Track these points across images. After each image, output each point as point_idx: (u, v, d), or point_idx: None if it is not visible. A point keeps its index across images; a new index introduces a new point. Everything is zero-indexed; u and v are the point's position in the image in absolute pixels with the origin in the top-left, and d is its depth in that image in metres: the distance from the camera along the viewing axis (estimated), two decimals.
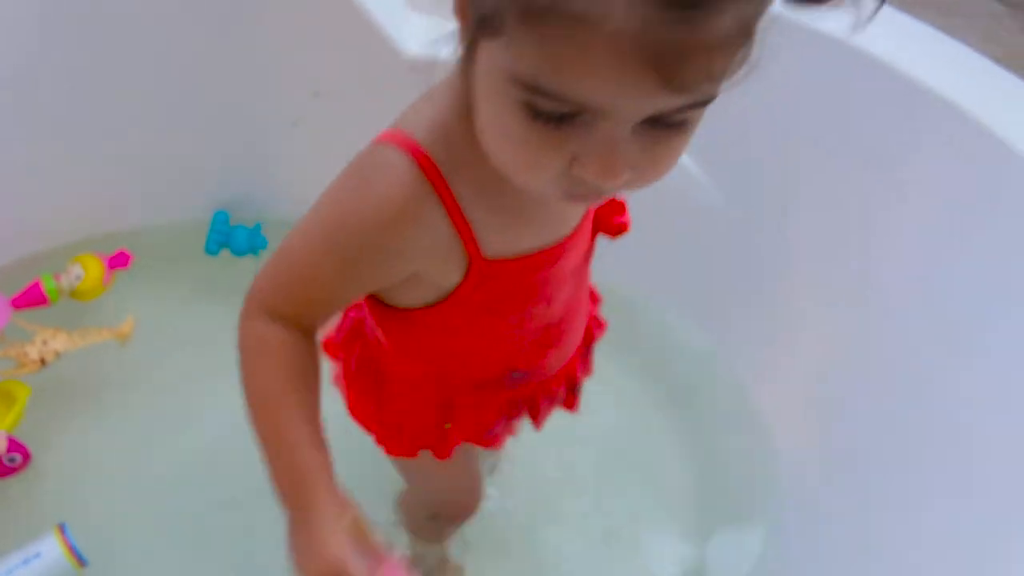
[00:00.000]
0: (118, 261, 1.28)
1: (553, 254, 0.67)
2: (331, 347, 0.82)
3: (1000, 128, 0.96)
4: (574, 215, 0.68)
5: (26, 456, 1.12)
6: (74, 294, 1.24)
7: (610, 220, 0.72)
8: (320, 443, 0.59)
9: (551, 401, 0.83)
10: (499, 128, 0.51)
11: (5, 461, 1.09)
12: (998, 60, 1.01)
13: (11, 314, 1.17)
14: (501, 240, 0.63)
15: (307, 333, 0.62)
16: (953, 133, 1.00)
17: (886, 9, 0.48)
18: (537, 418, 0.83)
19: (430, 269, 0.63)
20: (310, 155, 1.32)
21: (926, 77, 1.03)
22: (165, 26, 1.20)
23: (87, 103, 1.23)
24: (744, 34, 0.45)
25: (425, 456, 0.81)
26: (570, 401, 0.85)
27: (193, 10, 1.20)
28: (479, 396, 0.78)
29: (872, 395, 1.07)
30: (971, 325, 0.96)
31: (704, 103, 0.48)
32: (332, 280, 0.62)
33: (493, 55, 0.48)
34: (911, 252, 1.06)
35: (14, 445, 1.10)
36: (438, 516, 1.01)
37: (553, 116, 0.47)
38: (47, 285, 1.21)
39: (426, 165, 0.58)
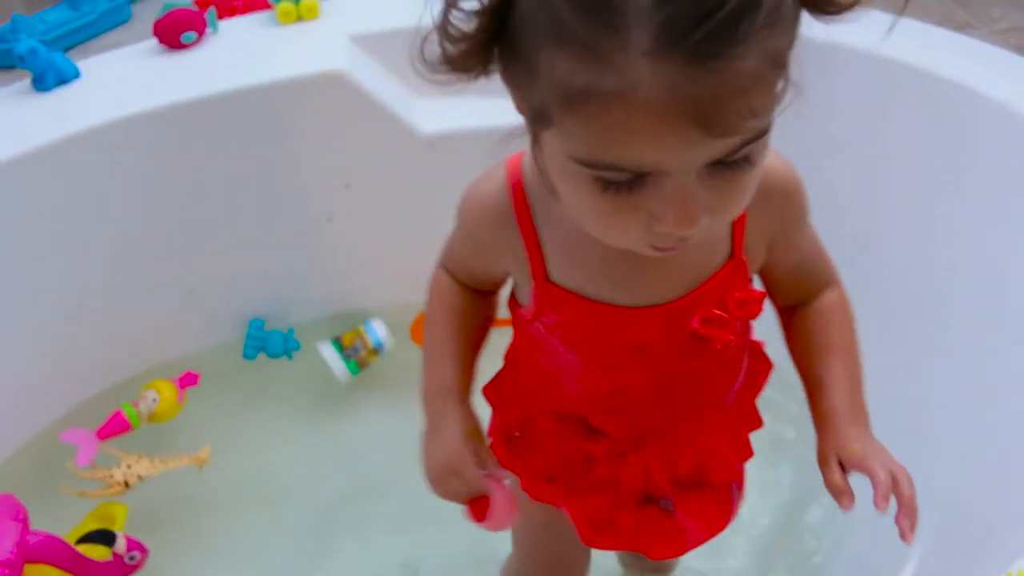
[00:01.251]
0: (187, 381, 1.35)
1: (618, 313, 0.66)
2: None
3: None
4: (659, 287, 0.66)
5: (144, 552, 1.17)
6: (152, 417, 1.30)
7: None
8: (465, 364, 0.74)
9: (656, 497, 0.79)
10: (577, 202, 0.54)
11: (126, 560, 1.15)
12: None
13: (99, 445, 1.25)
14: (570, 273, 0.66)
15: (465, 285, 0.76)
16: None
17: None
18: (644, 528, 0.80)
19: (516, 277, 0.71)
20: (345, 249, 1.42)
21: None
22: (200, 154, 1.27)
23: (139, 245, 1.30)
24: (776, 66, 0.46)
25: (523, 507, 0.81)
26: (697, 511, 0.80)
27: (227, 138, 1.27)
28: (557, 426, 0.78)
29: None
30: None
31: (758, 138, 0.49)
32: (460, 249, 0.74)
33: (553, 142, 0.51)
34: None
35: (132, 543, 1.16)
36: None
37: (622, 184, 0.49)
38: (128, 412, 1.28)
39: (516, 187, 0.66)
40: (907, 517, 0.61)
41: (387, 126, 1.30)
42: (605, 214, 0.52)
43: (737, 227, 0.65)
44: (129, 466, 1.24)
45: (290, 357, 1.43)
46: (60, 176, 1.18)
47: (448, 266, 0.77)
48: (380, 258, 1.42)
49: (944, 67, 1.11)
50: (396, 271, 1.42)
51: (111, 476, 1.22)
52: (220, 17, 1.34)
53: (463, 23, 0.51)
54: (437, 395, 0.72)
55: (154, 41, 1.28)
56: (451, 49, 0.52)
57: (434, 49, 0.52)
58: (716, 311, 0.66)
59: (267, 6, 1.36)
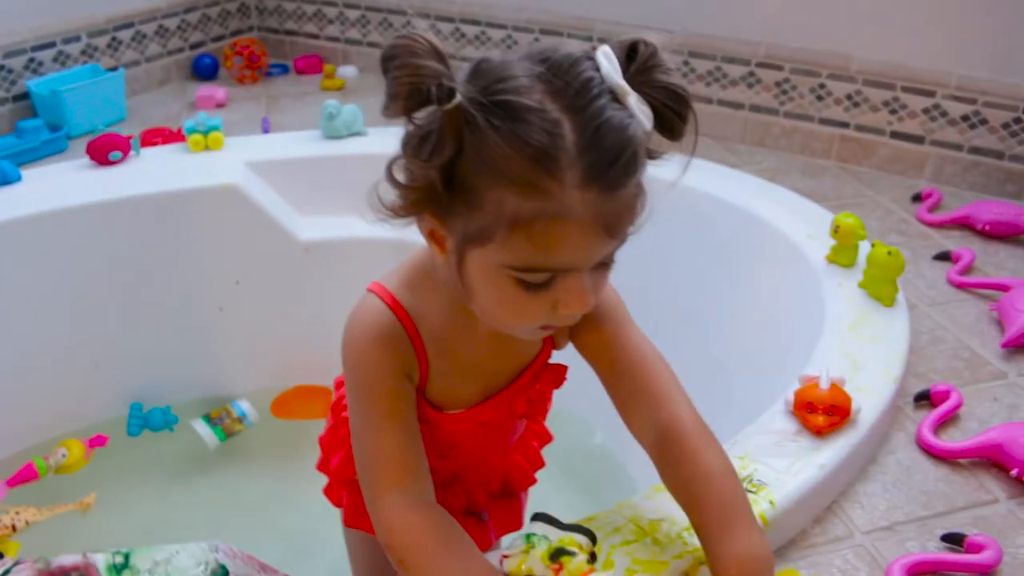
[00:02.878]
0: (96, 441, 1.60)
1: (471, 413, 0.82)
2: (326, 442, 0.96)
3: None
4: (501, 378, 0.82)
5: None
6: (60, 469, 1.54)
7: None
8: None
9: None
10: (499, 301, 0.68)
11: None
12: None
13: (6, 492, 1.45)
14: (441, 376, 0.78)
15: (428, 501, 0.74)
16: None
17: None
18: None
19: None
20: (229, 337, 1.69)
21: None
22: (114, 246, 1.55)
23: (55, 319, 1.54)
24: (641, 192, 0.66)
25: (367, 547, 0.96)
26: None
27: (139, 235, 1.55)
28: None
29: None
30: None
31: (623, 243, 0.67)
32: (395, 430, 0.74)
33: (484, 257, 0.65)
34: None
35: None
36: None
37: (540, 284, 0.65)
38: (37, 464, 1.52)
39: (397, 307, 0.76)
40: None
41: (272, 232, 1.62)
42: (521, 306, 0.67)
43: None
44: (17, 512, 1.44)
45: (171, 429, 1.66)
46: None
47: (400, 483, 0.73)
48: (257, 346, 1.70)
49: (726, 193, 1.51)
50: (267, 358, 1.71)
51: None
52: (143, 146, 1.68)
53: (408, 174, 0.66)
54: None
55: (86, 159, 1.60)
56: (403, 197, 0.66)
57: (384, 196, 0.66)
58: (535, 394, 0.86)
59: (182, 139, 1.70)
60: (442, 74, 0.60)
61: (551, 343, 0.84)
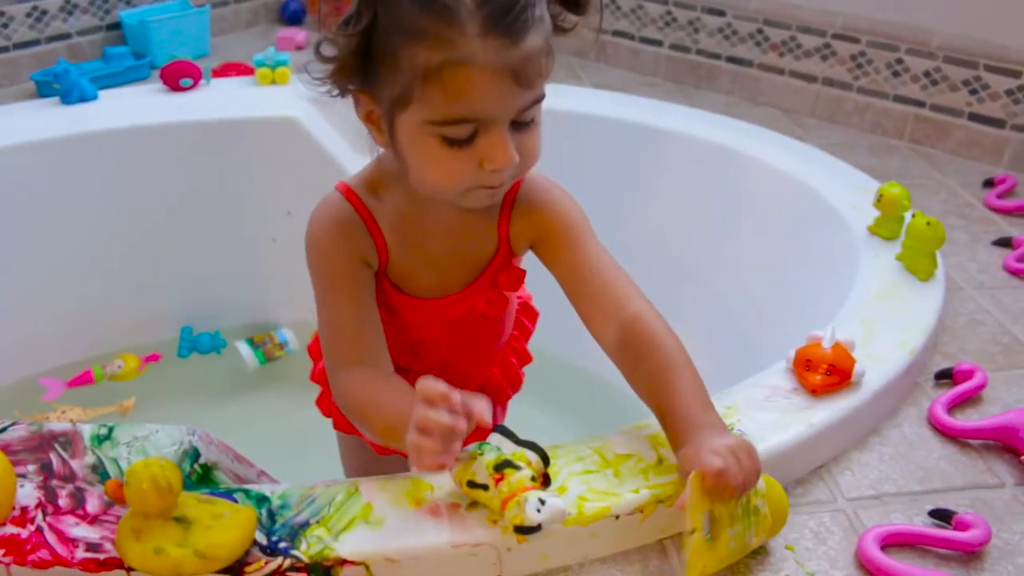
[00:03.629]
0: (151, 358, 1.69)
1: (431, 303, 0.87)
2: (314, 350, 1.03)
3: None
4: (459, 278, 0.88)
5: None
6: (115, 377, 1.64)
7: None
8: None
9: None
10: (428, 162, 0.73)
11: None
12: None
13: (64, 389, 1.57)
14: (401, 264, 0.85)
15: (377, 369, 0.81)
16: None
17: None
18: None
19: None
20: (282, 267, 1.73)
21: None
22: (176, 169, 1.62)
23: (117, 237, 1.62)
24: (548, 46, 0.72)
25: (360, 455, 1.03)
26: None
27: (201, 159, 1.61)
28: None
29: None
30: None
31: (539, 100, 0.73)
32: (343, 308, 0.82)
33: (408, 118, 0.72)
34: None
35: None
36: None
37: (461, 140, 0.71)
38: (95, 371, 1.62)
39: (351, 195, 0.83)
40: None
41: (326, 167, 1.64)
42: (449, 163, 0.72)
43: (502, 228, 0.87)
44: (64, 411, 1.52)
45: (219, 352, 1.72)
46: (63, 168, 1.52)
47: (358, 357, 0.81)
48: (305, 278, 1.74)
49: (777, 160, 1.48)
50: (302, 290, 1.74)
51: (47, 419, 1.50)
52: (215, 77, 1.74)
53: (335, 46, 0.73)
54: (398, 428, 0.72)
55: (159, 83, 1.66)
56: (329, 66, 0.74)
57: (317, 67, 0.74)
58: (494, 293, 0.90)
59: (251, 72, 1.75)
60: None
61: (507, 244, 0.88)
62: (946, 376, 1.06)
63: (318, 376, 1.01)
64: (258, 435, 1.54)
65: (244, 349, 1.68)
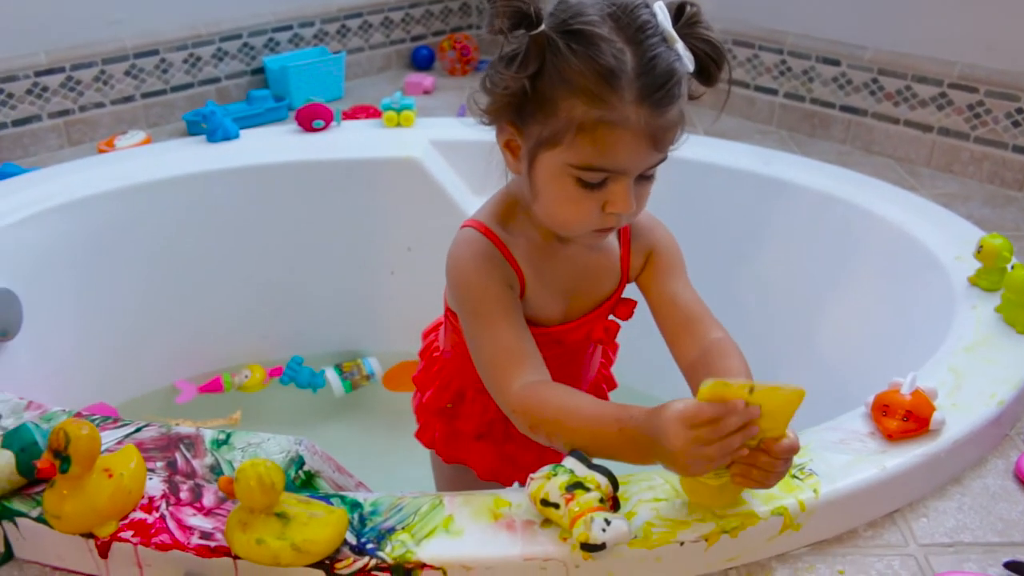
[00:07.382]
0: (275, 372, 1.82)
1: (553, 331, 0.94)
2: (419, 380, 1.09)
3: None
4: (582, 306, 0.96)
5: None
6: (241, 388, 1.78)
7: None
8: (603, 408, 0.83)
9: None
10: (560, 198, 0.83)
11: None
12: None
13: (196, 393, 1.72)
14: (532, 297, 0.92)
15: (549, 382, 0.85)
16: None
17: None
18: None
19: None
20: (400, 300, 1.84)
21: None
22: (306, 203, 1.75)
23: (251, 262, 1.77)
24: (682, 120, 0.81)
25: (458, 486, 1.07)
26: None
27: (329, 194, 1.75)
28: (481, 396, 0.99)
29: None
30: None
31: (663, 160, 0.83)
32: (505, 331, 0.87)
33: (552, 158, 0.81)
34: None
35: None
36: None
37: (593, 184, 0.80)
38: (225, 379, 1.76)
39: (489, 234, 0.90)
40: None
41: (445, 205, 1.75)
42: (579, 202, 0.82)
43: (624, 262, 0.96)
44: (177, 424, 1.67)
45: (314, 391, 1.81)
46: (206, 199, 1.67)
47: (516, 372, 0.84)
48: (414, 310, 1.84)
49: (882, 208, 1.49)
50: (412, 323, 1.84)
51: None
52: (346, 119, 1.87)
53: (501, 83, 0.81)
54: (631, 438, 0.78)
55: (294, 124, 1.81)
56: (493, 101, 0.82)
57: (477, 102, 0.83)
58: (611, 321, 0.99)
59: (378, 115, 1.88)
60: (532, 5, 0.78)
61: (627, 276, 0.97)
62: None
63: (421, 408, 1.09)
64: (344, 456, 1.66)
65: (332, 376, 1.79)
